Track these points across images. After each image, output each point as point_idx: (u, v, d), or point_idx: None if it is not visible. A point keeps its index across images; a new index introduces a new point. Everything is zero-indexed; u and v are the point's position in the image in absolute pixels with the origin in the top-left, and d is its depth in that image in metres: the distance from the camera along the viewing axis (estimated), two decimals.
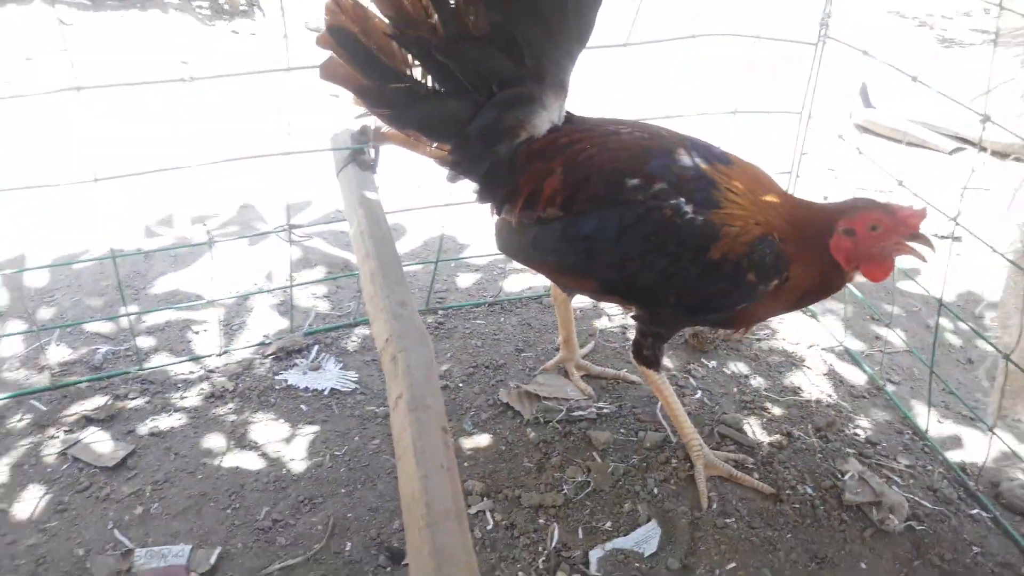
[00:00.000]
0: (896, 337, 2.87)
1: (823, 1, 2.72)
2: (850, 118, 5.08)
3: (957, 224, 2.18)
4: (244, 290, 3.00)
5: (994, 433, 2.21)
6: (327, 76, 1.92)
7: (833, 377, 2.69)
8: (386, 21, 1.85)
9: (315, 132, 2.40)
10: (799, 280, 1.93)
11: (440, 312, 2.91)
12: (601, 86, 2.59)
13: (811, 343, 2.85)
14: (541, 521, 2.08)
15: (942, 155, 4.67)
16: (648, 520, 2.08)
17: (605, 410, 2.45)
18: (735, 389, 2.59)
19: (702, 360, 2.71)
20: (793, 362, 2.75)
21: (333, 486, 2.18)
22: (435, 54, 1.85)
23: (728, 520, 2.10)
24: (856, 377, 2.71)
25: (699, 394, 2.55)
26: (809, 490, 2.20)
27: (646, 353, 2.14)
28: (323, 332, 2.78)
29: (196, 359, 2.63)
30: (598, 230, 1.91)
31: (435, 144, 2.04)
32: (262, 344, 2.72)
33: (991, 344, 2.27)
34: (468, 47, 1.84)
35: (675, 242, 1.87)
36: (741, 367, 2.70)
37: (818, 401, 2.55)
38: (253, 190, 3.72)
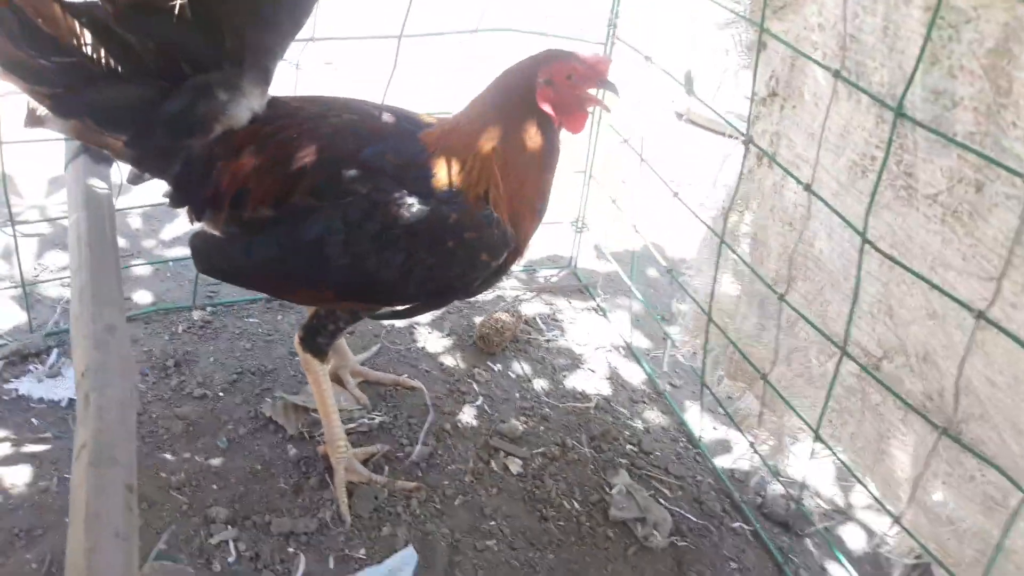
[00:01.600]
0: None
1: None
2: (672, 105, 5.12)
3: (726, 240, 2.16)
4: None
5: (754, 448, 2.20)
6: None
7: (615, 380, 2.66)
8: None
9: None
10: (528, 152, 1.81)
11: (208, 309, 2.67)
12: (383, 78, 2.41)
13: (599, 344, 2.80)
14: (291, 550, 1.93)
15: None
16: (406, 544, 1.97)
17: (378, 420, 2.32)
18: (517, 395, 2.51)
19: (487, 363, 2.62)
20: (578, 364, 2.69)
21: (58, 515, 1.93)
22: (112, 26, 1.56)
23: (489, 542, 2.01)
24: (638, 379, 2.68)
25: (480, 400, 2.45)
26: (576, 505, 2.16)
27: (320, 341, 1.97)
28: (67, 333, 2.48)
29: None
30: (325, 232, 1.73)
31: (110, 135, 1.72)
32: None
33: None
34: (156, 20, 1.54)
35: (408, 236, 1.73)
36: (526, 369, 2.62)
37: (597, 407, 2.51)
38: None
